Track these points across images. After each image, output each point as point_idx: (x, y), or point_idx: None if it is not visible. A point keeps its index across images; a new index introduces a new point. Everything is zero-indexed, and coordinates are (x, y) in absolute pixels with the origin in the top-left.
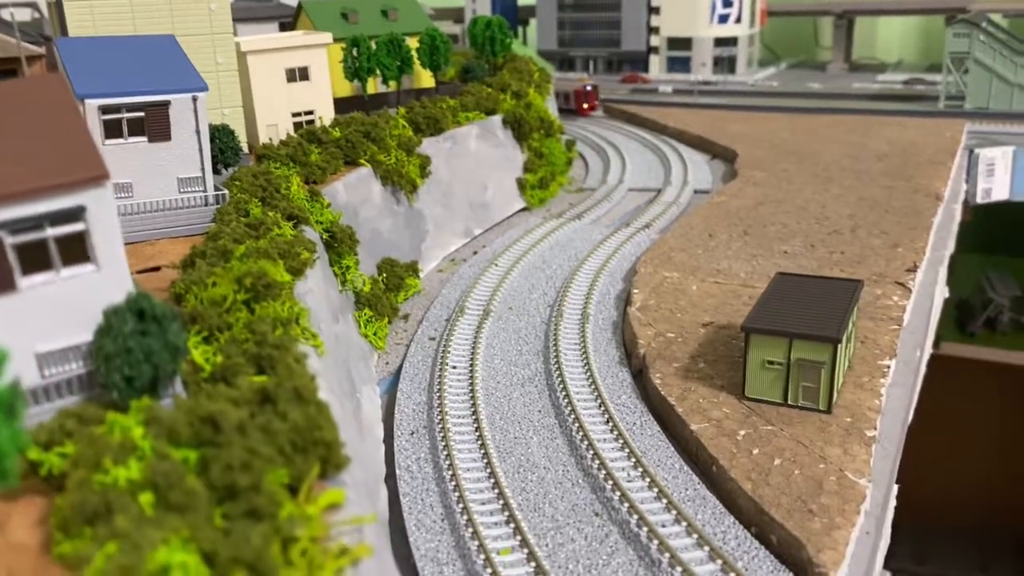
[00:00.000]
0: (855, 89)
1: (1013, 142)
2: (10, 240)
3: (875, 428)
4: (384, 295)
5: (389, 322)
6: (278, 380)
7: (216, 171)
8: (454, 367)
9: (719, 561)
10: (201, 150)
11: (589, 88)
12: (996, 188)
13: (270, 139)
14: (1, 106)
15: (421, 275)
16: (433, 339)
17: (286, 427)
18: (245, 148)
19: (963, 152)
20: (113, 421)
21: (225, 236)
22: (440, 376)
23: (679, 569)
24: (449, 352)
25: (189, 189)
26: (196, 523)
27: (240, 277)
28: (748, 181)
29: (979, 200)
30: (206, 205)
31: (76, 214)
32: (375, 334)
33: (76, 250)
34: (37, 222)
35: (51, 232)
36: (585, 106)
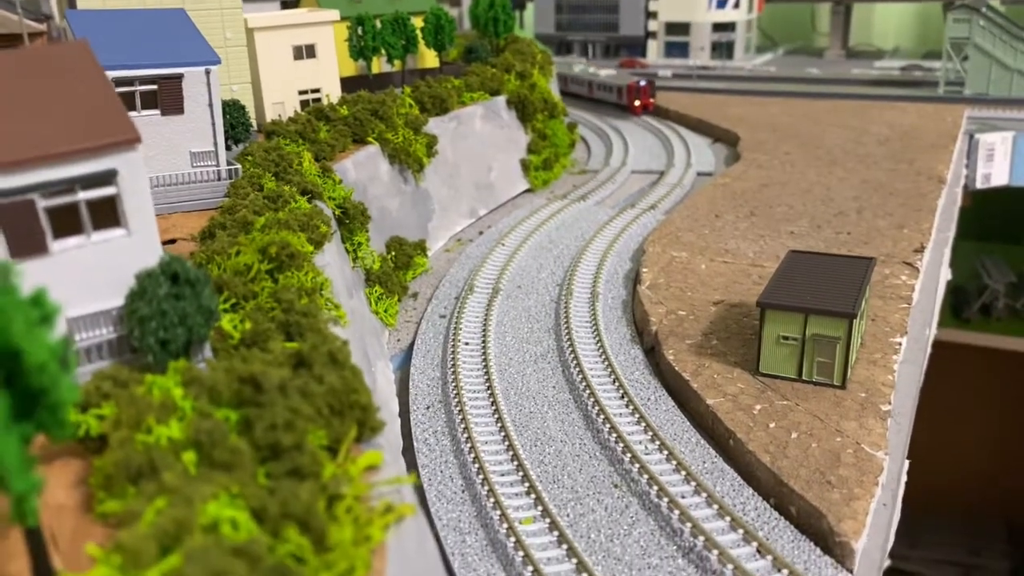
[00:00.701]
0: (854, 75)
1: (1013, 128)
2: (42, 203)
3: (889, 403)
4: (393, 273)
5: (399, 300)
6: (312, 344)
7: (226, 147)
8: (467, 344)
9: (740, 531)
10: (214, 124)
11: (643, 83)
12: (996, 173)
13: (279, 116)
14: (30, 71)
15: (428, 254)
16: (444, 317)
17: (323, 390)
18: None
19: (963, 137)
20: (152, 382)
21: (244, 208)
22: (454, 352)
23: (701, 539)
24: (460, 329)
25: (202, 163)
26: (242, 480)
27: (264, 247)
28: (752, 163)
29: (979, 185)
30: (219, 180)
31: (107, 178)
32: (386, 311)
33: (107, 214)
34: (69, 185)
35: (82, 196)
36: (637, 103)
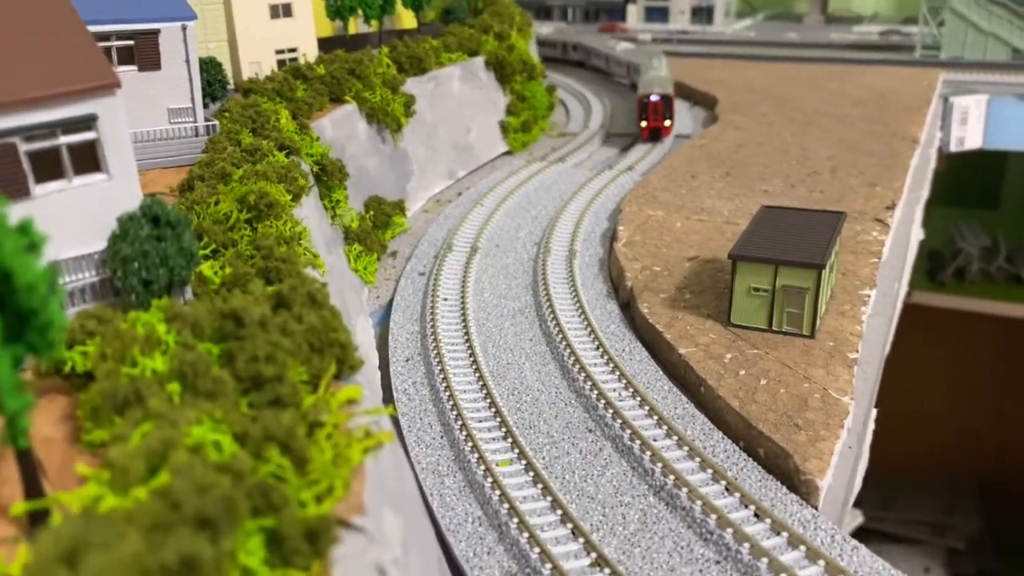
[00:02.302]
0: (832, 40)
1: (987, 91)
2: (24, 147)
3: (856, 351)
4: (372, 232)
5: (378, 258)
6: (292, 285)
7: (204, 105)
8: (445, 299)
9: (710, 471)
10: (191, 80)
11: (655, 98)
12: (970, 136)
13: (256, 74)
14: (6, 18)
15: (407, 215)
16: (423, 274)
17: (302, 328)
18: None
19: (938, 100)
20: (136, 318)
21: (223, 161)
22: (433, 308)
23: (672, 478)
24: (439, 286)
25: (179, 120)
26: (225, 408)
27: (243, 196)
28: (729, 125)
29: (953, 148)
30: (196, 136)
31: (87, 122)
32: (365, 268)
33: (88, 159)
34: (50, 129)
35: (63, 140)
36: (644, 124)
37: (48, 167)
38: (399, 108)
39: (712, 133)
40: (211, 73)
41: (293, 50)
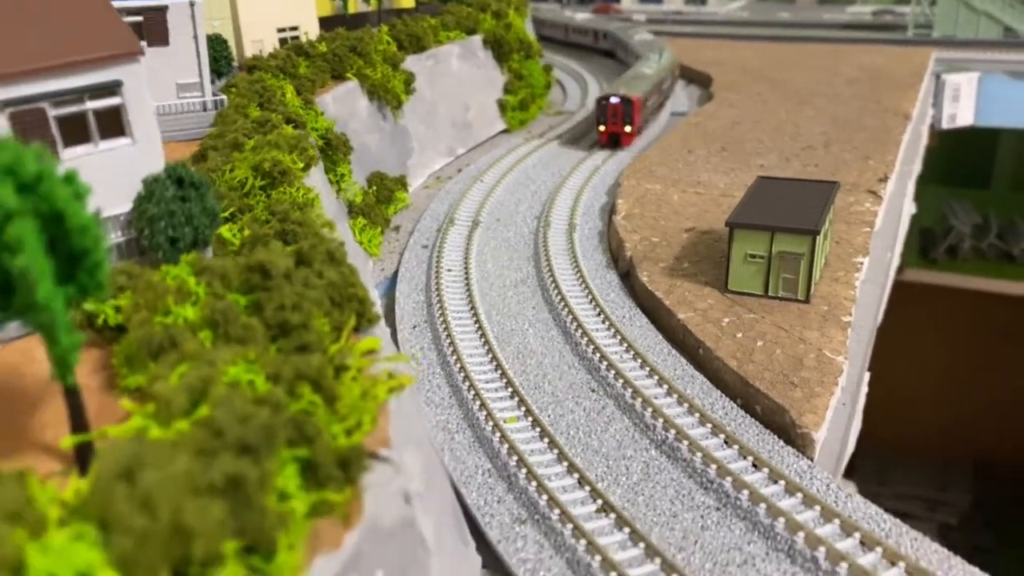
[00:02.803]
0: (825, 19)
1: (979, 68)
2: (53, 112)
3: (850, 315)
4: (376, 206)
5: (382, 232)
6: (311, 244)
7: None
8: (449, 270)
9: (709, 425)
10: (199, 56)
11: (615, 100)
12: (961, 113)
13: (259, 51)
14: None
15: (409, 191)
16: (426, 247)
17: (323, 283)
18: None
19: (930, 78)
20: (167, 271)
21: (234, 132)
22: (437, 278)
23: (672, 432)
24: (443, 258)
25: (187, 94)
26: (257, 352)
27: (257, 164)
28: (724, 103)
29: (945, 125)
30: (204, 110)
31: (113, 88)
32: (370, 242)
33: (113, 124)
34: (77, 95)
35: (90, 105)
36: (601, 128)
37: (76, 131)
38: (399, 85)
39: (707, 111)
40: (217, 50)
41: (295, 28)
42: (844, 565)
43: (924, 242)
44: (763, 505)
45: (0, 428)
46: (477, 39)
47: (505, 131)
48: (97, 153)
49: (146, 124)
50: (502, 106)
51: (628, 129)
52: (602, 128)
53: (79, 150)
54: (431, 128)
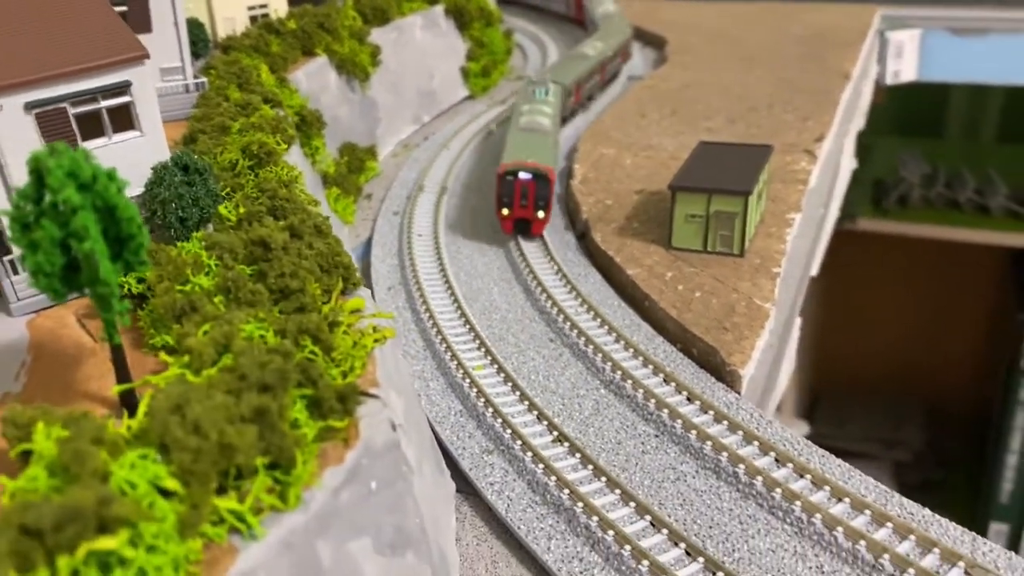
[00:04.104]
0: None
1: (922, 25)
2: (72, 111)
3: (780, 266)
4: (348, 176)
5: (355, 200)
6: (300, 219)
7: None
8: (420, 235)
9: (651, 367)
10: (180, 40)
11: (525, 176)
12: (905, 70)
13: (232, 30)
14: (47, 4)
15: (378, 159)
16: (397, 214)
17: (313, 253)
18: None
19: (875, 35)
20: (182, 247)
21: (220, 115)
22: (409, 243)
23: (619, 373)
24: (414, 223)
25: (171, 78)
26: (264, 312)
27: (246, 146)
28: (677, 65)
29: (889, 81)
30: (187, 92)
31: (123, 88)
32: (344, 210)
33: (124, 119)
34: (92, 95)
35: (103, 104)
36: (504, 212)
37: (92, 127)
38: (366, 58)
39: (661, 74)
40: (195, 33)
41: (264, 6)
42: (759, 478)
43: (877, 193)
44: (694, 432)
45: (50, 382)
46: (439, 9)
47: (469, 97)
48: (111, 145)
49: (152, 117)
50: (465, 73)
51: (541, 215)
52: (505, 212)
53: (95, 143)
54: (398, 98)
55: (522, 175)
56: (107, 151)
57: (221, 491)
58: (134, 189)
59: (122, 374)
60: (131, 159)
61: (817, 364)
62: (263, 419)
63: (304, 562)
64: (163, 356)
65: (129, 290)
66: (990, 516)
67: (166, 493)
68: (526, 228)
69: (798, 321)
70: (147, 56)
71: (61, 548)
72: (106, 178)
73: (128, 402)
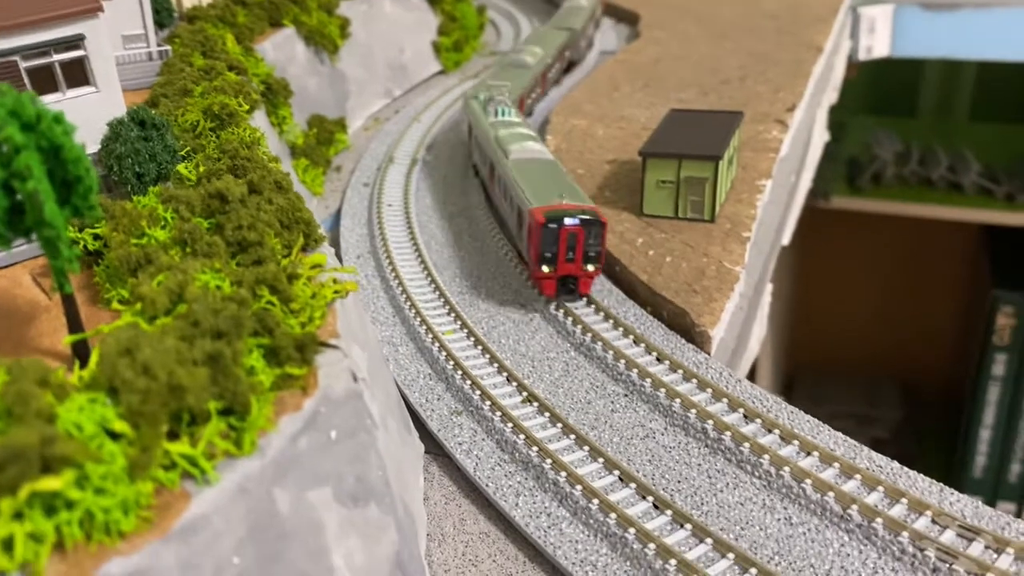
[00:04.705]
0: None
1: (895, 1)
2: (24, 64)
3: (750, 231)
4: (317, 147)
5: (324, 172)
6: (260, 175)
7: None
8: (390, 205)
9: (621, 329)
10: (142, 7)
11: (574, 222)
12: (877, 45)
13: (199, 2)
14: None
15: (348, 132)
16: (367, 185)
17: (273, 208)
18: None
19: (847, 10)
20: (137, 200)
21: (182, 79)
22: (379, 213)
23: (589, 335)
24: (384, 194)
25: (133, 46)
26: (221, 263)
27: (207, 107)
28: (649, 40)
29: (862, 57)
30: (151, 60)
31: (76, 41)
32: (313, 181)
33: (78, 74)
34: (45, 48)
35: (56, 58)
36: (546, 269)
37: (45, 82)
38: (335, 30)
39: (634, 48)
40: (158, 1)
41: None
42: (728, 434)
43: (851, 171)
44: (663, 390)
45: (1, 339)
46: None
47: (441, 72)
48: (65, 100)
49: (108, 73)
50: (437, 48)
51: (592, 268)
52: (546, 270)
53: (49, 99)
54: (368, 71)
55: (568, 221)
56: (61, 106)
57: (174, 437)
58: (90, 147)
59: (74, 325)
60: (86, 115)
61: (793, 343)
62: (216, 364)
63: (261, 508)
64: (115, 304)
65: (85, 247)
66: (964, 490)
67: (115, 436)
68: (571, 286)
69: (769, 287)
70: (100, 9)
71: (3, 489)
72: (51, 119)
73: (81, 353)
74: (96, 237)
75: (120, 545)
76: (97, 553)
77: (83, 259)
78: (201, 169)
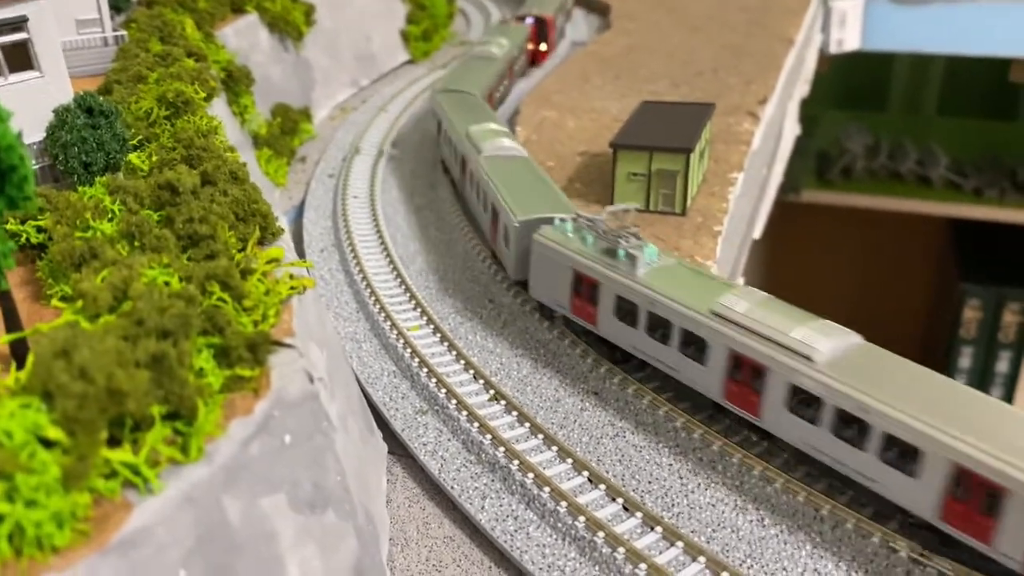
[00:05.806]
0: None
1: None
2: None
3: (722, 225)
4: (281, 137)
5: (288, 163)
6: (215, 165)
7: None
8: (355, 197)
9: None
10: None
11: None
12: (848, 39)
13: None
14: None
15: (313, 122)
16: (332, 176)
17: (228, 200)
18: None
19: (818, 3)
20: (83, 191)
21: (137, 65)
22: (344, 205)
23: (557, 331)
24: (349, 186)
25: (87, 30)
26: (170, 258)
27: (161, 95)
28: (621, 31)
29: (833, 50)
30: (106, 45)
31: (18, 24)
32: (276, 172)
33: (21, 58)
34: None
35: None
36: None
37: None
38: (299, 17)
39: (605, 39)
40: None
41: None
42: (699, 432)
43: (820, 165)
44: (632, 387)
45: None
46: None
47: (409, 62)
48: (7, 86)
49: (53, 58)
50: (405, 37)
51: None
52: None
53: None
54: (334, 59)
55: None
56: (3, 92)
57: (115, 443)
58: (35, 134)
59: (11, 323)
60: (31, 101)
61: None
62: (160, 366)
63: (209, 518)
64: (55, 302)
65: (28, 239)
66: None
67: (49, 443)
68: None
69: (741, 280)
70: None
71: None
72: None
73: (18, 353)
74: (40, 230)
75: (53, 561)
76: (28, 570)
77: (26, 253)
78: (154, 159)
